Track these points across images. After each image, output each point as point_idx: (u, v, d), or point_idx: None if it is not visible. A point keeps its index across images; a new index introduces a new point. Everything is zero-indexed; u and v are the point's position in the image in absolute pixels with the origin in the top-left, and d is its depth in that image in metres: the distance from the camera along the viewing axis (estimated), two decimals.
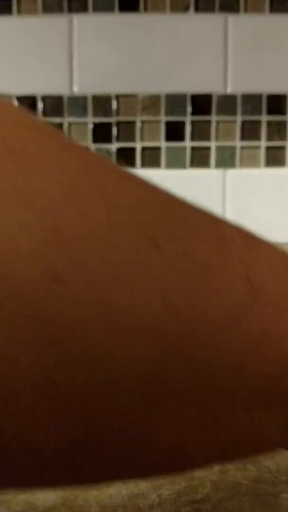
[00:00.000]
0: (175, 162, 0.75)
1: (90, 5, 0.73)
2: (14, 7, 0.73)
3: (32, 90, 0.74)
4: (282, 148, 0.75)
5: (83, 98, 0.74)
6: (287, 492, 0.41)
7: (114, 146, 0.75)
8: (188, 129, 0.74)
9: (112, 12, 0.73)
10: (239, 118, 0.74)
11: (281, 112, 0.74)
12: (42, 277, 0.10)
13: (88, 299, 0.11)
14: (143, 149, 0.75)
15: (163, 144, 0.75)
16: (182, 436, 0.13)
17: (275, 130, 0.74)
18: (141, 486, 0.41)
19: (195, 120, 0.74)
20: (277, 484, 0.42)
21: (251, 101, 0.74)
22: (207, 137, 0.75)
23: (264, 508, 0.39)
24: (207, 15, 0.73)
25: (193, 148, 0.75)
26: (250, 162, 0.75)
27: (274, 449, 0.15)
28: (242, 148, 0.75)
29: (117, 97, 0.74)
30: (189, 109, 0.74)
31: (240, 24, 0.73)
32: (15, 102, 0.74)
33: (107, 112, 0.74)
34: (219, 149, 0.75)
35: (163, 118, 0.74)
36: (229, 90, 0.74)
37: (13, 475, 0.12)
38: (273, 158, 0.75)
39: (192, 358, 0.13)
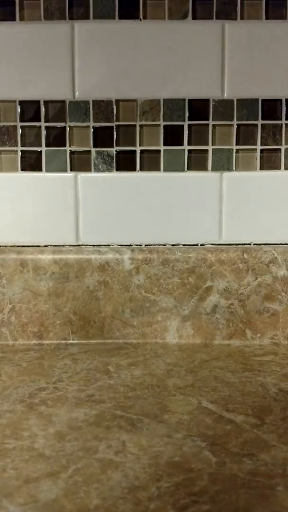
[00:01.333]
0: (173, 165, 0.76)
1: (91, 13, 0.73)
2: (17, 13, 0.73)
3: (35, 95, 0.74)
4: (277, 151, 0.75)
5: (85, 103, 0.75)
6: (282, 485, 0.41)
7: (114, 150, 0.75)
8: (186, 133, 0.75)
9: (113, 19, 0.74)
10: (235, 122, 0.75)
11: (276, 116, 0.75)
12: None
13: None
14: (142, 152, 0.76)
15: (161, 147, 0.75)
16: None
17: (270, 134, 0.75)
18: (141, 478, 0.42)
19: (193, 124, 0.75)
20: (273, 477, 0.42)
21: (247, 106, 0.75)
22: (204, 141, 0.75)
23: (260, 501, 0.39)
24: (205, 22, 0.73)
25: (190, 152, 0.75)
26: (246, 165, 0.76)
27: None
28: (238, 151, 0.75)
29: (117, 102, 0.75)
30: (187, 113, 0.75)
31: (236, 31, 0.73)
32: (18, 107, 0.75)
33: (108, 116, 0.75)
34: (216, 152, 0.75)
35: (161, 123, 0.75)
36: (226, 95, 0.74)
37: None
38: (268, 161, 0.76)
39: None
